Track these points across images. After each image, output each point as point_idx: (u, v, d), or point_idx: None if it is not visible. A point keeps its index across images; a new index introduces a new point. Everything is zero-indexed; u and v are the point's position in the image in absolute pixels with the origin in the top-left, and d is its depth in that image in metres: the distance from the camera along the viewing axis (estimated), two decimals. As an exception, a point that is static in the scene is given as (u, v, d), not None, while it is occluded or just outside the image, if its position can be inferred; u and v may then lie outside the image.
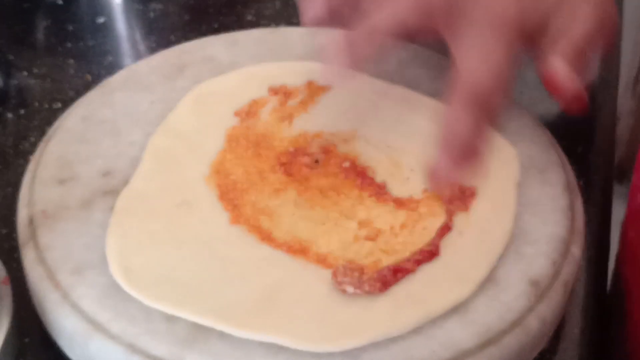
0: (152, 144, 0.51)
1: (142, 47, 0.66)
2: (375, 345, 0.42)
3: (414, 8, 0.49)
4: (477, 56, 0.47)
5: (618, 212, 0.58)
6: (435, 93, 0.54)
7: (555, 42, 0.49)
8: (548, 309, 0.45)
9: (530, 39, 0.49)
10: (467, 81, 0.46)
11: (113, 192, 0.49)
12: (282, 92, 0.54)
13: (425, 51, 0.57)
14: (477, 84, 0.46)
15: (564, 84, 0.48)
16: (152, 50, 0.63)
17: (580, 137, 0.59)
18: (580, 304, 0.49)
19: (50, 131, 0.53)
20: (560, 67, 0.48)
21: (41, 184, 0.50)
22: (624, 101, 0.67)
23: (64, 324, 0.44)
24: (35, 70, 0.63)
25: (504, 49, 0.47)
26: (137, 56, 0.65)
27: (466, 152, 0.46)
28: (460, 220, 0.48)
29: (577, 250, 0.48)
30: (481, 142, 0.46)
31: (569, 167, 0.52)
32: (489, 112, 0.47)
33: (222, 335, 0.43)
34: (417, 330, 0.43)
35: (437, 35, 0.49)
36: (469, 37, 0.47)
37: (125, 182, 0.49)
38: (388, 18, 0.49)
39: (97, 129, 0.53)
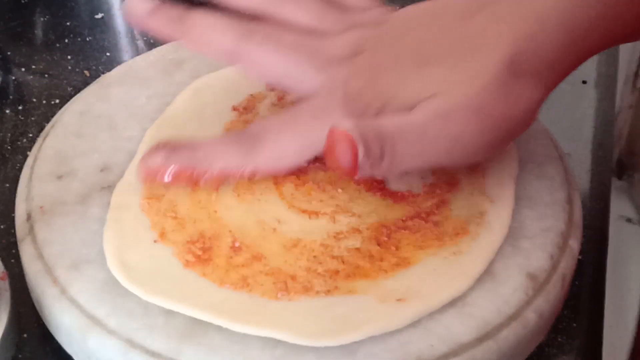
0: (150, 138, 0.51)
1: (140, 42, 0.66)
2: (373, 340, 0.42)
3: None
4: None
5: (616, 207, 0.59)
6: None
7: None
8: (546, 303, 0.45)
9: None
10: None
11: (110, 187, 0.49)
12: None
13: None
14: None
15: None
16: (151, 45, 0.63)
17: (579, 132, 0.59)
18: (578, 297, 0.49)
19: (48, 127, 0.53)
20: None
21: (39, 180, 0.50)
22: (623, 96, 0.67)
23: (62, 319, 0.44)
24: (34, 66, 0.63)
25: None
26: (136, 52, 0.65)
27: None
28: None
29: (575, 244, 0.48)
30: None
31: (566, 160, 0.52)
32: None
33: (219, 329, 0.43)
34: (415, 324, 0.43)
35: None
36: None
37: (122, 176, 0.49)
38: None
39: (94, 124, 0.53)
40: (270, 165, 0.48)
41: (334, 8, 0.49)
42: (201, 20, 0.48)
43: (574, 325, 0.48)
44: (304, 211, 0.47)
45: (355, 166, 0.42)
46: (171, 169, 0.47)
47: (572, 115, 0.60)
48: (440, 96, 0.43)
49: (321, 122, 0.45)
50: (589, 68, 0.63)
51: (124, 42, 0.67)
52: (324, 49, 0.48)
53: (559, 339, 0.48)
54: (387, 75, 0.45)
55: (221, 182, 0.48)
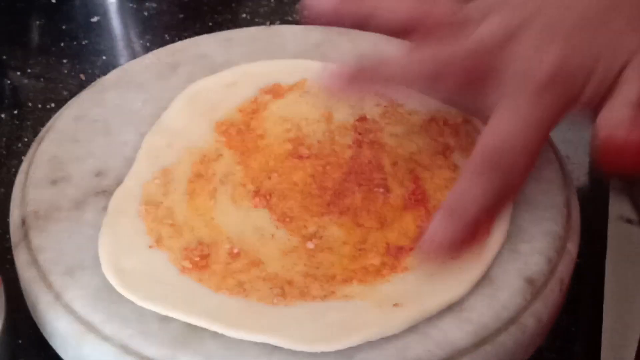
0: (146, 143, 0.51)
1: (136, 46, 0.66)
2: (370, 345, 0.42)
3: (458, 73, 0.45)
4: (503, 121, 0.43)
5: (616, 208, 0.58)
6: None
7: (609, 99, 0.44)
8: (544, 307, 0.45)
9: (576, 97, 0.44)
10: (486, 145, 0.43)
11: (105, 193, 0.49)
12: (274, 91, 0.54)
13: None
14: (496, 148, 0.43)
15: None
16: (147, 49, 0.63)
17: (577, 134, 0.59)
18: (577, 301, 0.49)
19: (43, 131, 0.53)
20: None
21: (33, 185, 0.49)
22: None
23: (57, 326, 0.44)
24: (29, 70, 0.63)
25: (534, 113, 0.43)
26: (132, 55, 0.65)
27: (470, 227, 0.43)
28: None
29: (573, 247, 0.47)
30: (490, 217, 0.43)
31: (565, 163, 0.51)
32: (508, 181, 0.43)
33: (215, 335, 0.42)
34: (412, 329, 0.43)
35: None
36: (500, 100, 0.44)
37: (118, 182, 0.49)
38: (424, 72, 0.46)
39: (89, 129, 0.52)
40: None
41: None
42: None
43: (573, 329, 0.48)
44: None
45: None
46: None
47: (570, 118, 0.60)
48: None
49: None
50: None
51: (119, 46, 0.67)
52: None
53: (558, 343, 0.47)
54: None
55: None
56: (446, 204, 0.44)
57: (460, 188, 0.44)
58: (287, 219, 0.47)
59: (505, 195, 0.44)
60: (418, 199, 0.48)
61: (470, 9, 0.47)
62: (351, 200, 0.48)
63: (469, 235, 0.43)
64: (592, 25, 0.44)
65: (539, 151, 0.45)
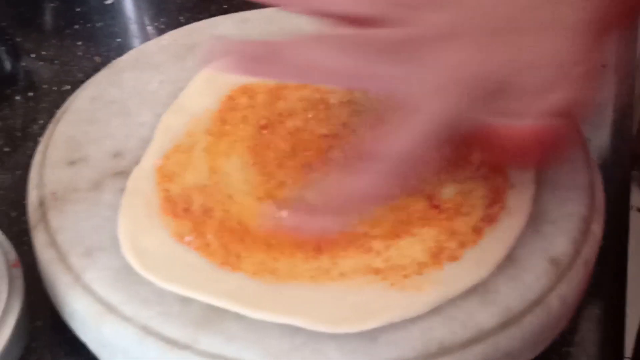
0: (163, 123, 0.50)
1: (151, 28, 0.66)
2: (394, 327, 0.41)
3: None
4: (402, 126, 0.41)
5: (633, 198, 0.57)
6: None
7: (529, 104, 0.42)
8: (569, 289, 0.44)
9: (493, 98, 0.42)
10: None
11: (123, 173, 0.48)
12: None
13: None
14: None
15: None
16: (161, 31, 0.63)
17: (598, 117, 0.58)
18: (600, 284, 0.48)
19: (60, 112, 0.52)
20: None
21: (51, 166, 0.49)
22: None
23: (76, 307, 0.43)
24: (44, 53, 0.63)
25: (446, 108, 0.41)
26: (146, 38, 0.65)
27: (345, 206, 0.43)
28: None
29: (597, 229, 0.47)
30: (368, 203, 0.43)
31: (587, 143, 0.51)
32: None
33: (237, 316, 0.42)
34: (436, 311, 0.42)
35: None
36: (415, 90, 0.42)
37: (135, 162, 0.49)
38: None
39: (106, 110, 0.52)
40: None
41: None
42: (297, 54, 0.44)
43: (597, 312, 0.48)
44: None
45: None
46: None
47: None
48: None
49: None
50: (608, 52, 0.62)
51: (134, 28, 0.66)
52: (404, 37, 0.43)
53: (582, 326, 0.47)
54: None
55: None
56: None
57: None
58: None
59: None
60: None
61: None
62: None
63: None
64: (512, 31, 0.42)
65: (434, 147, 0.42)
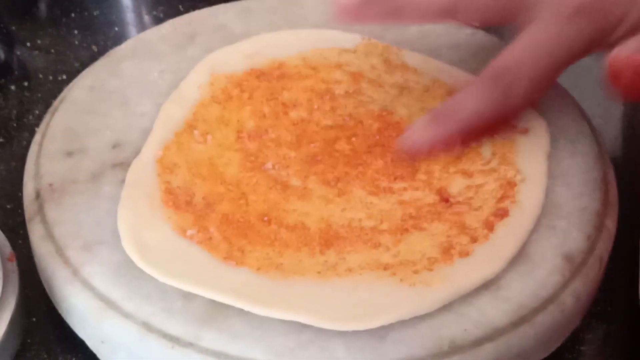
0: (163, 113, 0.49)
1: (149, 17, 0.64)
2: (403, 324, 0.40)
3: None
4: (520, 42, 0.44)
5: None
6: (455, 62, 0.52)
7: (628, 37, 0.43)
8: (583, 285, 0.43)
9: (605, 34, 0.44)
10: (495, 62, 0.44)
11: (123, 165, 0.47)
12: None
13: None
14: (502, 66, 0.43)
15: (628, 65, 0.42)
16: (160, 20, 0.61)
17: (608, 110, 0.57)
18: (613, 280, 0.47)
19: (57, 102, 0.51)
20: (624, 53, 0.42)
21: (48, 157, 0.47)
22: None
23: (75, 302, 0.42)
24: (39, 42, 0.62)
25: (560, 36, 0.43)
26: (144, 27, 0.63)
27: (450, 131, 0.43)
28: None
29: (611, 224, 0.46)
30: (476, 132, 0.44)
31: (600, 137, 0.50)
32: (506, 97, 0.44)
33: (241, 313, 0.40)
34: (447, 308, 0.41)
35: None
36: (534, 23, 0.44)
37: (135, 153, 0.47)
38: None
39: (105, 100, 0.50)
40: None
41: None
42: None
43: (610, 309, 0.46)
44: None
45: None
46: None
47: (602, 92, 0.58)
48: None
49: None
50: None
51: (131, 17, 0.65)
52: None
53: (595, 324, 0.45)
54: None
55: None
56: (436, 109, 0.44)
57: (455, 96, 0.44)
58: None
59: (498, 111, 0.45)
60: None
61: None
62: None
63: (447, 139, 0.44)
64: None
65: (548, 80, 0.45)
